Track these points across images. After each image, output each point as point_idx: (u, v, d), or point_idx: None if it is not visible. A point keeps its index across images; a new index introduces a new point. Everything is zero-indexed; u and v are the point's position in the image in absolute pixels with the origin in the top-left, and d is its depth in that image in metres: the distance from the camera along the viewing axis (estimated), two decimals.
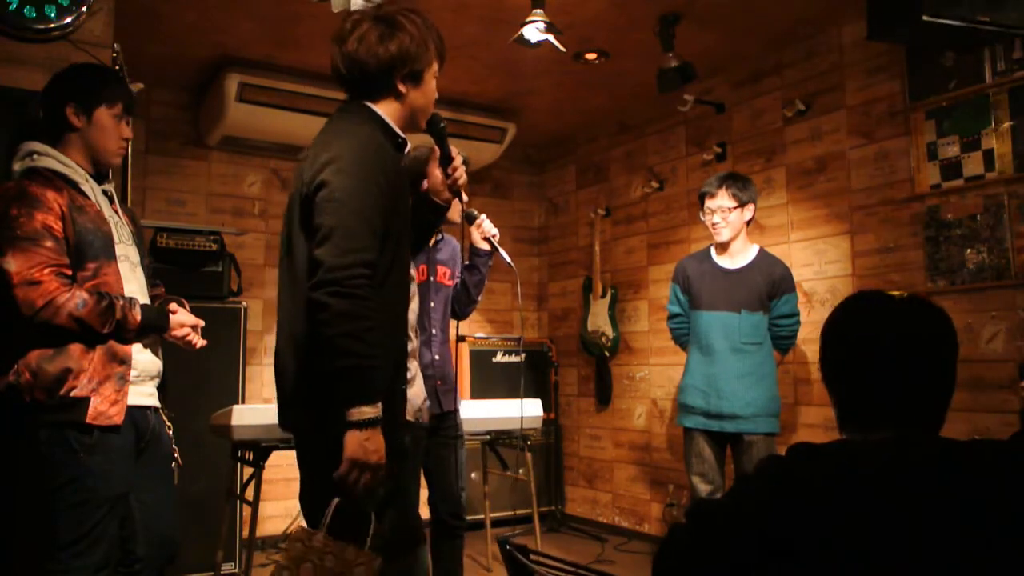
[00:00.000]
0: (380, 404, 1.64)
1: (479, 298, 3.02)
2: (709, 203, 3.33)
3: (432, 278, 2.85)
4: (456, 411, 2.87)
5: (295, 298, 1.76)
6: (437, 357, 2.81)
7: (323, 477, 1.65)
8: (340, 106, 1.88)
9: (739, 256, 3.35)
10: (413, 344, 2.10)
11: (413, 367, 2.31)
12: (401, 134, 1.86)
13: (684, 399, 3.34)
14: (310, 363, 1.70)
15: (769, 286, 3.29)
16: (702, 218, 3.39)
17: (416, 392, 2.32)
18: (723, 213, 3.28)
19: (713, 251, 3.43)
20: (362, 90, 1.83)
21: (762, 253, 3.39)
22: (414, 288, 1.97)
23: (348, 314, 1.60)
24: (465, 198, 2.11)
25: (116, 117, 2.09)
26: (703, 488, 3.22)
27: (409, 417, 1.99)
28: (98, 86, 2.09)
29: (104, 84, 2.11)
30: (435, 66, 1.87)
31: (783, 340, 3.36)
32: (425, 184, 2.15)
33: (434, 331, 2.82)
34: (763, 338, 3.28)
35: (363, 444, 1.60)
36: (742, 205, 3.30)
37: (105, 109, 2.07)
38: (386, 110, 1.83)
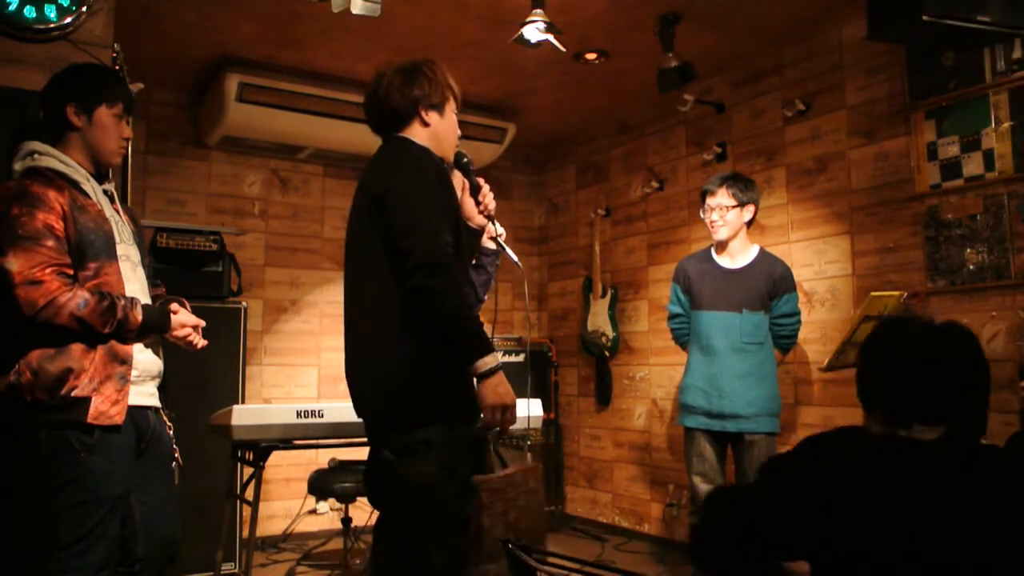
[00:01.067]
0: (497, 353, 1.93)
1: (485, 297, 3.01)
2: (709, 201, 3.33)
3: None
4: None
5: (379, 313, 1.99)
6: None
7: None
8: (384, 144, 2.17)
9: (739, 256, 3.35)
10: None
11: None
12: (437, 155, 2.13)
13: (685, 399, 3.34)
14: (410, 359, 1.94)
15: (770, 286, 3.29)
16: (702, 216, 3.40)
17: None
18: (721, 211, 3.29)
19: (714, 251, 3.43)
20: (393, 123, 2.14)
21: (763, 253, 3.40)
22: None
23: (448, 288, 1.87)
24: (499, 229, 2.34)
25: (116, 117, 2.09)
26: (704, 488, 3.23)
27: None
28: (98, 86, 2.09)
29: (104, 84, 2.11)
30: (453, 103, 2.19)
31: (785, 339, 3.37)
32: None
33: None
34: (764, 338, 3.28)
35: (495, 389, 1.88)
36: (741, 205, 3.30)
37: (106, 109, 2.07)
38: (417, 136, 2.12)
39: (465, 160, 2.25)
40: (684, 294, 3.46)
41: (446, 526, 1.92)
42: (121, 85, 2.18)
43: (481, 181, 2.29)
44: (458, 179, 2.83)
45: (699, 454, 3.25)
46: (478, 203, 2.26)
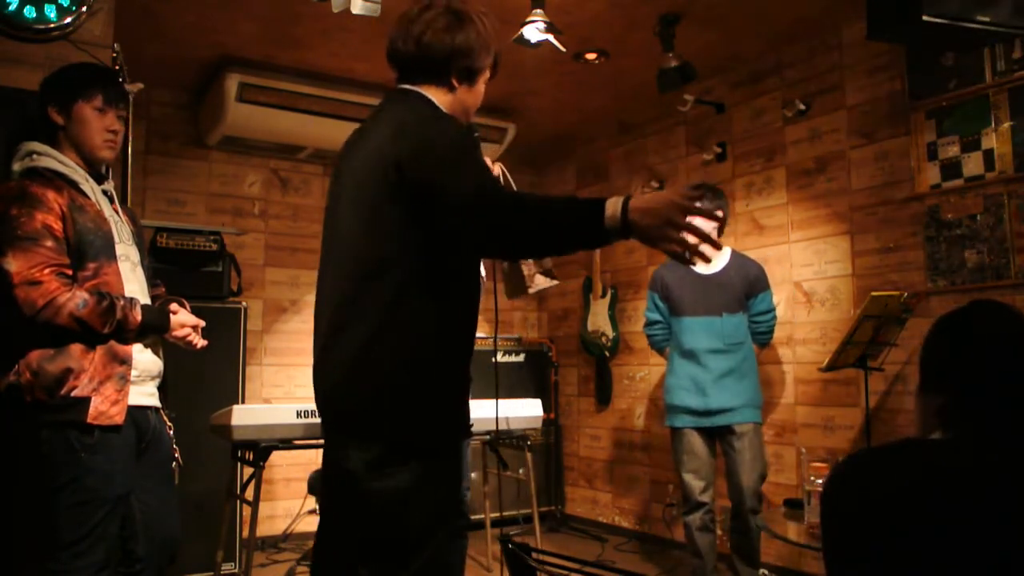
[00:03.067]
0: (604, 203, 1.48)
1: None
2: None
3: None
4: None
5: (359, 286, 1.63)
6: None
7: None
8: (391, 94, 1.80)
9: (715, 260, 3.40)
10: None
11: None
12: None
13: (672, 399, 3.40)
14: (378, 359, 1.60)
15: (746, 286, 3.40)
16: None
17: None
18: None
19: None
20: (416, 73, 1.76)
21: (735, 255, 3.51)
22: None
23: (519, 207, 1.52)
24: None
25: (97, 109, 2.07)
26: (697, 485, 3.28)
27: None
28: (73, 83, 2.08)
29: (80, 79, 2.09)
30: (488, 72, 1.83)
31: (762, 335, 3.49)
32: None
33: None
34: (744, 337, 3.40)
35: (644, 215, 1.44)
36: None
37: (83, 103, 2.06)
38: (436, 98, 1.76)
39: (476, 135, 1.89)
40: (663, 301, 3.52)
41: (393, 554, 1.60)
42: (100, 78, 2.14)
43: (489, 161, 2.07)
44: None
45: (689, 451, 3.32)
46: None
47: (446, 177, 1.55)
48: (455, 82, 1.76)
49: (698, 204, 1.51)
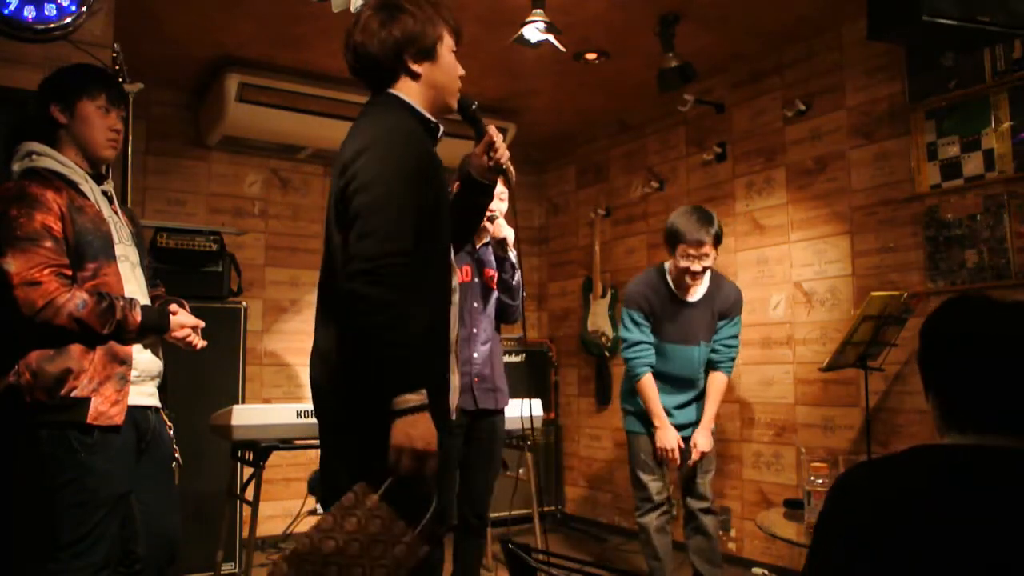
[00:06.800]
0: (424, 391, 1.58)
1: (517, 301, 2.90)
2: (693, 251, 3.12)
3: (476, 279, 2.83)
4: (497, 412, 2.85)
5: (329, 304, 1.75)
6: (476, 355, 2.78)
7: (355, 467, 1.65)
8: (367, 102, 1.83)
9: (696, 286, 3.27)
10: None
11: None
12: (432, 118, 1.80)
13: (632, 405, 3.34)
14: (345, 361, 1.68)
15: (722, 311, 3.30)
16: (678, 259, 3.15)
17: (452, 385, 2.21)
18: (704, 263, 3.15)
19: (670, 281, 3.27)
20: (377, 78, 1.79)
21: (714, 277, 3.32)
22: (455, 283, 1.92)
23: (387, 303, 1.56)
24: (513, 176, 1.99)
25: (101, 109, 2.08)
26: (654, 485, 3.25)
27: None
28: (77, 82, 2.09)
29: (83, 78, 2.10)
30: (449, 40, 1.81)
31: (730, 363, 3.35)
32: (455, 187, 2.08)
33: (475, 329, 2.79)
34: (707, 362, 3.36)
35: (407, 432, 1.55)
36: (717, 246, 3.21)
37: (87, 101, 2.06)
38: (407, 93, 1.77)
39: (473, 107, 1.92)
40: (649, 317, 3.27)
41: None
42: (103, 78, 2.16)
43: (491, 129, 1.95)
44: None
45: (647, 452, 3.26)
46: (489, 156, 1.91)
47: (355, 232, 1.61)
48: (414, 67, 1.76)
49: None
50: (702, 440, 3.23)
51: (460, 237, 2.02)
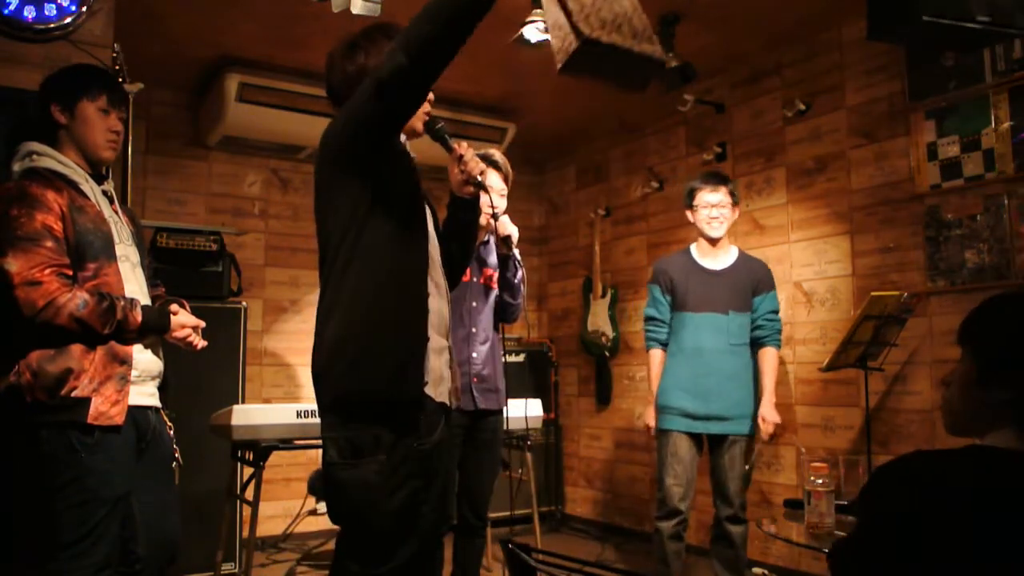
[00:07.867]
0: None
1: (517, 300, 2.91)
2: (709, 197, 3.29)
3: (476, 279, 2.83)
4: (497, 413, 2.84)
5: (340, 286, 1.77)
6: (475, 355, 2.78)
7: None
8: None
9: (723, 257, 3.35)
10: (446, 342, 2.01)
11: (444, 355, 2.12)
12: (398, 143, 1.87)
13: (667, 401, 3.28)
14: (338, 347, 1.74)
15: (754, 285, 3.32)
16: (692, 214, 3.35)
17: (442, 366, 2.05)
18: (721, 209, 3.30)
19: (695, 253, 3.40)
20: (340, 104, 1.88)
21: (742, 254, 3.42)
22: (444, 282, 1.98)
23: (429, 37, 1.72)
24: (499, 186, 2.09)
25: (101, 110, 2.08)
26: (676, 491, 3.18)
27: (443, 399, 1.90)
28: (78, 82, 2.09)
29: (84, 79, 2.11)
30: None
31: (777, 335, 3.35)
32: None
33: (474, 329, 2.79)
34: (747, 339, 3.31)
35: None
36: (735, 205, 3.35)
37: (87, 102, 2.07)
38: None
39: (439, 127, 1.97)
40: (667, 294, 3.38)
41: (370, 544, 1.75)
42: (103, 79, 2.16)
43: (460, 143, 2.00)
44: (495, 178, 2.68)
45: (675, 455, 3.21)
46: (461, 171, 1.96)
47: (369, 79, 1.70)
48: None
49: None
50: (768, 412, 3.21)
51: (458, 259, 2.06)
